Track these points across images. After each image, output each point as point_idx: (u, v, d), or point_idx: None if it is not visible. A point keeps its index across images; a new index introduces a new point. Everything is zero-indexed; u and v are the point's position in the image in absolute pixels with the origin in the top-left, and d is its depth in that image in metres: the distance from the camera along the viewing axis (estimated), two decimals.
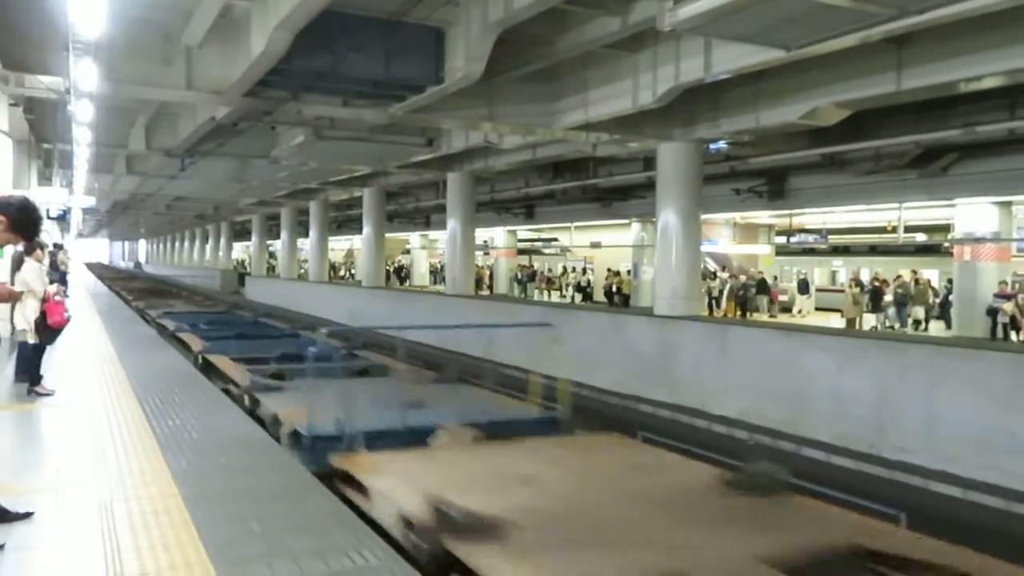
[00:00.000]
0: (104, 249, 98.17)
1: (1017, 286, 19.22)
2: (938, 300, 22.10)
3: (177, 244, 64.69)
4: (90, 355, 10.99)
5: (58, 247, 19.80)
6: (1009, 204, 17.23)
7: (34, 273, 7.64)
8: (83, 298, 22.73)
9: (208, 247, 50.98)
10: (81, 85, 9.68)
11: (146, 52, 10.54)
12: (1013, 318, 17.57)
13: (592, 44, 10.09)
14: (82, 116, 11.91)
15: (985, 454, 8.14)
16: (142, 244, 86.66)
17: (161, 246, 75.03)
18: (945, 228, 22.26)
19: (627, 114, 11.51)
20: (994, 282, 17.82)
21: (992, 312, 17.55)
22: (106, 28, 8.09)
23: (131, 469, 5.22)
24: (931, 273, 24.29)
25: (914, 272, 23.25)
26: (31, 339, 7.54)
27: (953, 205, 17.92)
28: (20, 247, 7.51)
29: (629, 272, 28.46)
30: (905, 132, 13.27)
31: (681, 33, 9.09)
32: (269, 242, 42.66)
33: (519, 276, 35.42)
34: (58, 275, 14.85)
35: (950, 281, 20.94)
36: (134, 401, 7.57)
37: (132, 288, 31.67)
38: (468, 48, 9.62)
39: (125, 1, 8.76)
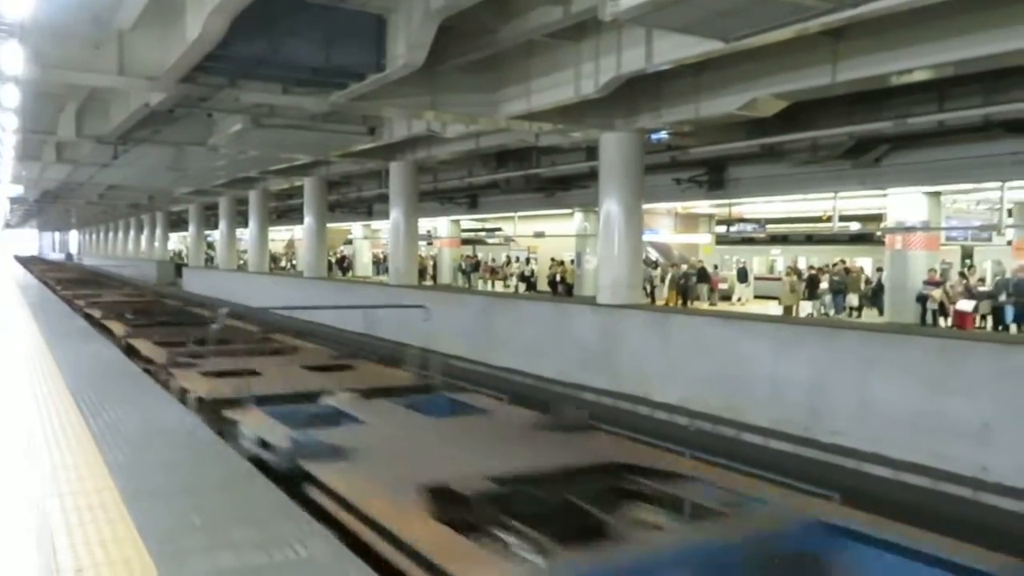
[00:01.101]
0: (34, 240, 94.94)
1: (945, 274, 19.93)
2: (871, 287, 22.78)
3: (111, 234, 62.91)
4: (18, 348, 10.62)
5: None
6: (938, 194, 17.83)
7: None
8: (11, 290, 21.94)
9: (144, 237, 49.71)
10: (6, 69, 9.33)
11: (75, 35, 10.19)
12: (941, 304, 18.22)
13: (535, 33, 10.11)
14: (7, 101, 11.50)
15: (915, 436, 8.44)
16: (74, 235, 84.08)
17: (94, 236, 72.87)
18: (878, 217, 22.94)
19: (570, 104, 11.57)
20: (924, 270, 18.43)
21: (922, 299, 18.16)
22: (33, 9, 7.81)
23: (64, 463, 5.06)
24: (864, 261, 25.03)
25: (842, 261, 23.93)
26: None
27: (885, 195, 18.47)
28: None
29: (572, 262, 28.66)
30: (840, 123, 13.62)
31: (623, 23, 9.16)
32: (207, 232, 41.80)
33: (463, 266, 35.38)
34: None
35: (880, 269, 21.58)
36: (67, 395, 7.35)
37: (62, 279, 30.74)
38: (410, 36, 9.54)
39: None
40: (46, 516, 4.11)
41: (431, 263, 37.22)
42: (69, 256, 79.74)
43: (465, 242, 38.77)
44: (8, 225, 58.20)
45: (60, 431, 5.94)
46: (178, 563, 3.51)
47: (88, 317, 15.18)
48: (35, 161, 22.15)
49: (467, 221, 35.79)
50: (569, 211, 26.83)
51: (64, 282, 28.35)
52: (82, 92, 14.94)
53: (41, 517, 4.09)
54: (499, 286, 34.33)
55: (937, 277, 18.61)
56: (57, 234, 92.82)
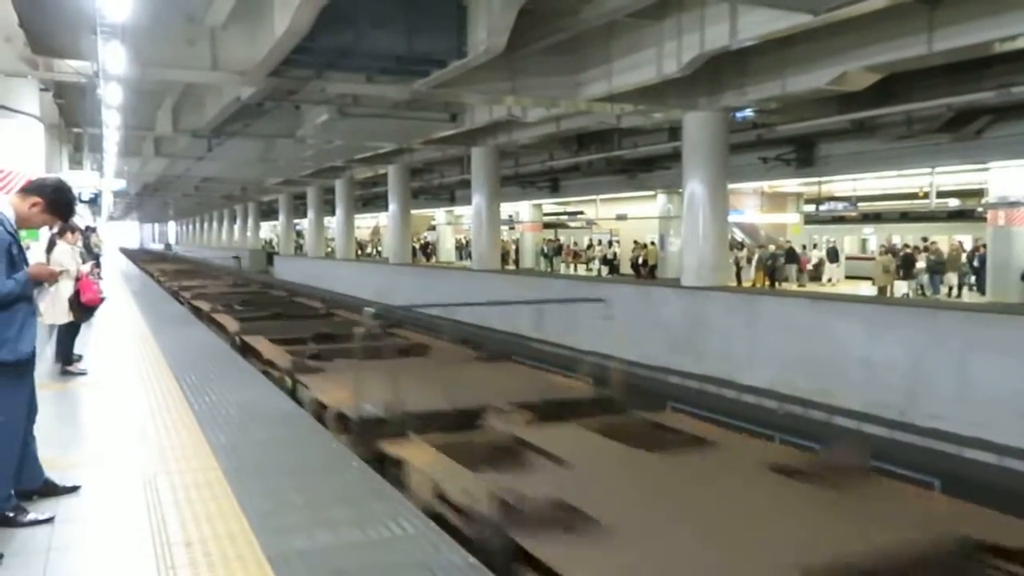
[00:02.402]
0: (134, 231, 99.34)
1: None
2: (971, 266, 21.79)
3: (206, 225, 65.31)
4: (125, 334, 11.19)
5: (91, 230, 20.09)
6: None
7: (67, 254, 7.77)
8: (117, 280, 23.09)
9: (236, 227, 51.43)
10: (109, 68, 9.76)
11: (171, 34, 10.60)
12: None
13: (616, 13, 9.98)
14: (111, 99, 12.01)
15: (1019, 419, 8.07)
16: (171, 226, 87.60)
17: (190, 227, 75.80)
18: (978, 193, 21.90)
19: (651, 84, 11.40)
20: None
21: None
22: (131, 11, 8.15)
23: (171, 444, 5.34)
24: (964, 238, 23.96)
25: (925, 240, 22.92)
26: (51, 320, 7.58)
27: (987, 169, 17.63)
28: (55, 229, 7.65)
29: (655, 244, 28.34)
30: (937, 95, 13.00)
31: None
32: (296, 221, 42.97)
33: (545, 250, 35.37)
34: (92, 257, 15.09)
35: (983, 247, 20.62)
36: (170, 378, 7.72)
37: (164, 270, 32.10)
38: (490, 21, 9.56)
39: None
40: (158, 492, 4.35)
41: (514, 247, 37.36)
42: (168, 246, 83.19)
43: (547, 226, 38.74)
44: (112, 218, 61.04)
45: (166, 413, 6.25)
46: (279, 538, 3.67)
47: (196, 310, 15.21)
48: (135, 156, 23.16)
49: (549, 205, 35.75)
50: (652, 193, 26.50)
51: (168, 273, 29.58)
52: (178, 88, 15.55)
53: (153, 493, 4.34)
54: (581, 270, 34.22)
55: None
56: (156, 225, 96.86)
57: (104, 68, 9.77)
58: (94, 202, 22.13)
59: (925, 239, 22.98)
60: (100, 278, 11.31)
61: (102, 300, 8.15)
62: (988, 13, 8.45)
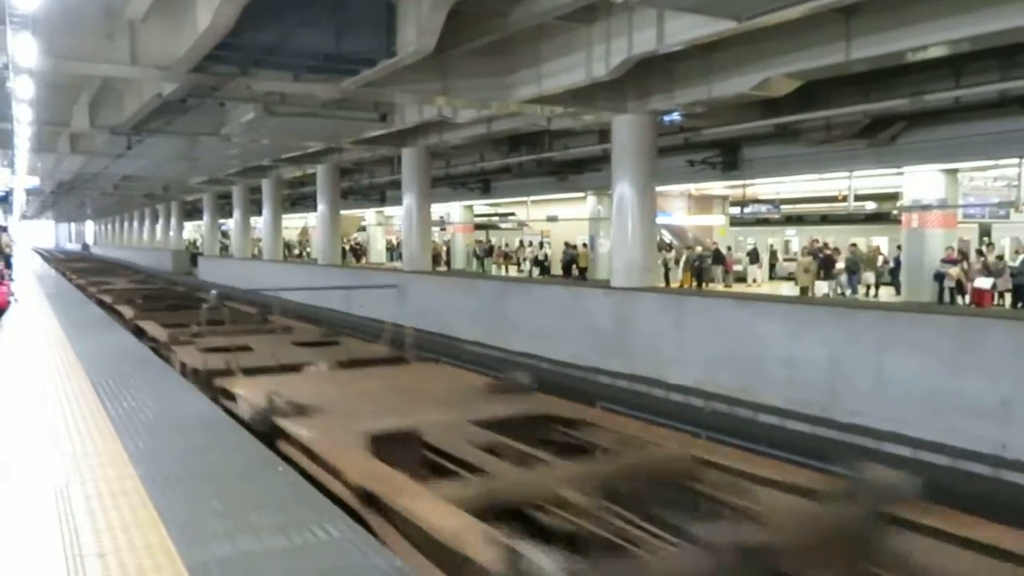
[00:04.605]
0: (49, 231, 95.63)
1: (962, 252, 19.74)
2: (887, 267, 22.60)
3: (126, 224, 63.28)
4: (38, 338, 10.74)
5: (1, 229, 19.25)
6: (955, 171, 17.65)
7: None
8: (30, 281, 22.15)
9: (159, 227, 49.98)
10: (20, 61, 9.37)
11: (87, 26, 10.22)
12: (959, 282, 18.06)
13: (545, 16, 10.05)
14: (22, 93, 11.56)
15: (934, 415, 8.40)
16: (89, 225, 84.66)
17: (109, 227, 73.33)
18: (894, 196, 22.74)
19: (581, 86, 11.52)
20: (941, 248, 18.27)
21: (939, 277, 18.01)
22: (44, 1, 7.83)
23: (86, 451, 5.12)
24: (881, 240, 24.83)
25: (853, 244, 23.77)
26: None
27: (901, 173, 18.29)
28: None
29: (585, 245, 28.61)
30: (854, 102, 13.49)
31: (634, 5, 9.11)
32: (221, 221, 41.97)
33: (476, 251, 35.38)
34: (2, 258, 14.46)
35: (898, 248, 21.42)
36: (86, 383, 7.43)
37: (77, 269, 31.23)
38: (420, 21, 9.51)
39: None
40: (70, 502, 4.17)
41: (445, 249, 37.24)
42: (85, 247, 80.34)
43: (478, 227, 38.74)
44: (24, 216, 58.63)
45: (81, 419, 6.01)
46: (199, 547, 3.55)
47: (101, 303, 16.14)
48: (50, 153, 22.28)
49: (480, 206, 35.76)
50: (582, 195, 26.74)
51: (79, 271, 28.70)
52: (95, 83, 15.01)
53: (65, 503, 4.16)
54: (512, 271, 34.32)
55: (954, 255, 18.45)
56: (73, 225, 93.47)
57: (14, 60, 9.38)
58: (5, 200, 21.25)
59: (854, 244, 23.76)
60: (11, 279, 10.84)
61: (9, 304, 7.81)
62: (901, 24, 8.80)
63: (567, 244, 29.61)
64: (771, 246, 29.50)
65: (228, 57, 10.25)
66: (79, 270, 30.22)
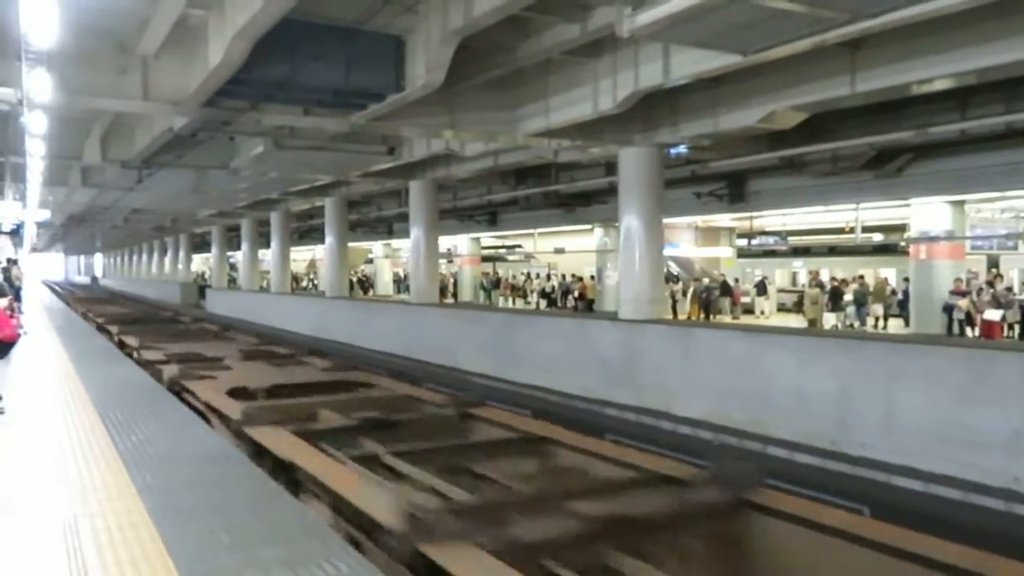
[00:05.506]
0: (59, 263, 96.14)
1: (971, 283, 19.66)
2: (896, 298, 22.52)
3: (135, 257, 63.60)
4: (47, 370, 10.75)
5: (12, 262, 19.36)
6: (962, 203, 17.63)
7: None
8: (38, 314, 22.23)
9: (167, 260, 50.21)
10: (34, 96, 9.50)
11: (101, 62, 10.39)
12: (968, 314, 17.97)
13: (552, 51, 10.16)
14: (35, 128, 11.68)
15: (945, 447, 8.32)
16: (99, 258, 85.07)
17: (119, 259, 73.69)
18: (901, 228, 22.71)
19: (588, 120, 11.59)
20: (949, 279, 18.22)
21: (948, 309, 17.93)
22: (59, 37, 7.96)
23: (94, 485, 5.12)
24: (888, 272, 24.77)
25: (861, 277, 23.73)
26: None
27: (908, 205, 18.29)
28: None
29: (593, 277, 28.61)
30: (860, 134, 13.54)
31: (640, 39, 9.19)
32: (230, 254, 42.13)
33: (484, 283, 35.39)
34: (12, 291, 14.51)
35: (906, 279, 21.37)
36: (95, 415, 7.43)
37: (81, 299, 31.79)
38: (428, 56, 9.63)
39: (78, 9, 8.63)
40: (79, 536, 4.15)
41: (452, 281, 37.26)
42: (94, 279, 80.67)
43: (485, 259, 38.80)
44: (35, 249, 58.99)
45: (89, 452, 6.00)
46: None
47: (100, 328, 19.22)
48: (61, 186, 22.48)
49: (487, 238, 35.84)
50: (589, 227, 26.81)
51: (84, 302, 29.23)
52: (107, 118, 15.19)
53: (74, 537, 4.14)
54: (519, 303, 34.29)
55: (963, 287, 18.38)
56: (82, 257, 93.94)
57: (28, 96, 9.50)
58: (16, 233, 21.38)
59: (862, 276, 23.73)
60: (20, 312, 10.89)
61: (19, 336, 7.84)
62: (906, 57, 8.86)
63: (563, 276, 29.74)
64: (763, 278, 29.41)
65: (239, 92, 10.37)
66: (81, 299, 30.65)
